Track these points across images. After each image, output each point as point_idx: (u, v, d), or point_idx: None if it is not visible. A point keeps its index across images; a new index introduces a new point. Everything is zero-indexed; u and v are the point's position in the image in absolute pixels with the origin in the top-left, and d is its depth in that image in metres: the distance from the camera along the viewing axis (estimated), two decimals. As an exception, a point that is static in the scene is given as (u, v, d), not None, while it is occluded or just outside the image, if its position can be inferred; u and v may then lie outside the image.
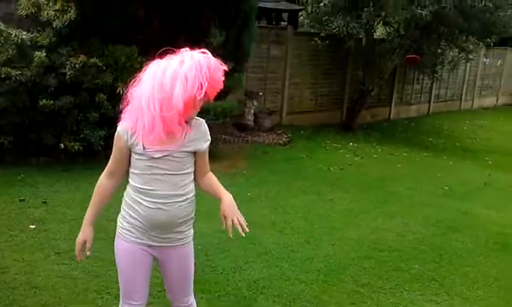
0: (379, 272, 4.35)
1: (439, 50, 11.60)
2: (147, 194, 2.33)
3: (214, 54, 2.35)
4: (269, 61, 10.23)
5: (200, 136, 2.39)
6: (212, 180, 2.49)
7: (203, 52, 2.26)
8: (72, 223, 4.72)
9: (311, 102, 11.32)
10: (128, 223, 2.41)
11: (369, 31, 10.66)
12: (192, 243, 2.52)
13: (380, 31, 11.59)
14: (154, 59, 2.30)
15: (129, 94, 2.30)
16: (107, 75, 6.53)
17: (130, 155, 2.36)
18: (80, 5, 6.55)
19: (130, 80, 2.32)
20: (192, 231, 2.52)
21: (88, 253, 2.48)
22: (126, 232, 2.41)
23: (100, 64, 6.48)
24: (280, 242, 4.80)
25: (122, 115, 2.34)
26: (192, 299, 2.62)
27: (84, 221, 2.48)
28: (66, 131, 6.54)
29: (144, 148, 2.28)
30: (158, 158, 2.29)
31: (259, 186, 6.45)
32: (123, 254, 2.45)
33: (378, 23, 10.78)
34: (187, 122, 2.30)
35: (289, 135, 9.47)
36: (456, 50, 11.83)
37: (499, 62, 16.77)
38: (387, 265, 4.50)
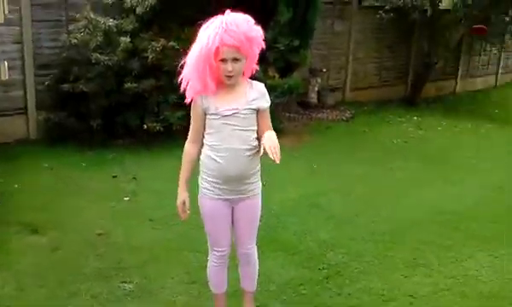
0: (439, 232, 4.70)
1: (508, 19, 11.38)
2: (221, 149, 2.77)
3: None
4: (333, 37, 10.44)
5: (261, 95, 2.83)
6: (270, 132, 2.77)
7: (228, 12, 2.66)
8: (159, 195, 5.32)
9: (375, 77, 11.45)
10: (207, 181, 2.86)
11: (435, 1, 10.60)
12: (260, 196, 2.97)
13: (446, 2, 11.51)
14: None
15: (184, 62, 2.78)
16: (183, 57, 7.04)
17: (205, 119, 2.80)
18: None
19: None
20: (260, 184, 2.97)
21: (188, 211, 2.95)
22: (207, 191, 2.88)
23: (177, 47, 6.99)
24: (345, 208, 5.22)
25: (183, 87, 2.80)
26: (255, 247, 3.11)
27: (180, 185, 2.90)
28: (148, 113, 7.12)
29: (217, 108, 2.74)
30: (229, 115, 2.74)
31: (324, 158, 6.86)
32: (208, 210, 2.93)
33: (444, -7, 10.74)
34: (229, 75, 2.68)
35: (352, 111, 9.74)
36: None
37: None
38: (447, 226, 4.84)
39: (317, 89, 9.77)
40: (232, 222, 2.99)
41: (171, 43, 6.92)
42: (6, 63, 5.47)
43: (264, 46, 2.80)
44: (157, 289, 3.63)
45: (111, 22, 6.87)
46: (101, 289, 3.59)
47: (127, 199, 5.26)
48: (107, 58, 6.72)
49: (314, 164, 6.57)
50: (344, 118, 9.34)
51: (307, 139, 7.77)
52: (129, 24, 7.06)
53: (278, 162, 2.57)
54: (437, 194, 5.73)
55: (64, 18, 7.29)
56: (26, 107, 7.18)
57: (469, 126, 9.47)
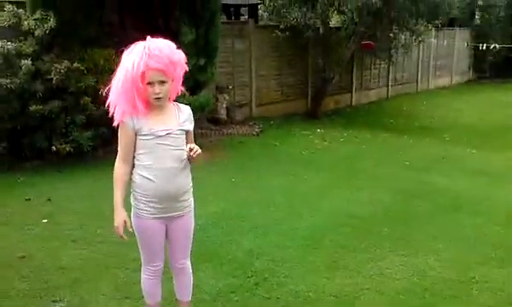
0: (354, 235, 5.02)
1: (392, 34, 12.35)
2: (156, 169, 2.83)
3: (186, 52, 2.91)
4: (234, 55, 10.77)
5: (189, 118, 2.97)
6: None
7: (149, 38, 2.78)
8: (78, 215, 5.23)
9: (277, 93, 11.94)
10: (142, 202, 2.89)
11: (325, 20, 11.23)
12: (193, 212, 3.07)
13: (335, 20, 12.28)
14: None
15: (109, 87, 2.82)
16: (89, 78, 6.96)
17: (135, 140, 2.83)
18: (59, 14, 6.93)
19: (111, 82, 2.86)
20: (192, 200, 3.05)
21: (130, 230, 2.92)
22: (142, 211, 2.90)
23: (82, 68, 6.92)
24: (266, 217, 5.42)
25: (112, 110, 2.81)
26: (189, 262, 3.19)
27: (116, 205, 2.86)
28: (56, 134, 6.96)
29: (150, 128, 2.81)
30: (163, 136, 2.82)
31: (241, 171, 7.09)
32: (144, 230, 2.95)
33: (333, 12, 11.46)
34: (157, 98, 2.76)
35: (261, 125, 10.10)
36: (408, 33, 12.57)
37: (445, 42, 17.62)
38: (361, 230, 5.17)
39: (225, 105, 10.01)
40: (166, 237, 3.04)
41: (76, 65, 6.86)
42: None
43: (187, 68, 2.93)
44: (90, 305, 3.58)
45: (9, 45, 6.68)
46: (30, 311, 3.48)
47: (45, 221, 5.08)
48: (8, 81, 6.51)
49: (232, 177, 6.75)
50: (254, 132, 9.65)
51: (222, 154, 7.94)
52: (29, 46, 6.93)
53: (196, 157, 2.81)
54: (347, 200, 6.10)
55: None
56: None
57: (368, 136, 10.15)
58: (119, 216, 2.87)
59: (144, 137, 2.82)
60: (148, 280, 3.11)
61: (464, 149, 9.18)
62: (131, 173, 2.89)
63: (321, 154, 8.49)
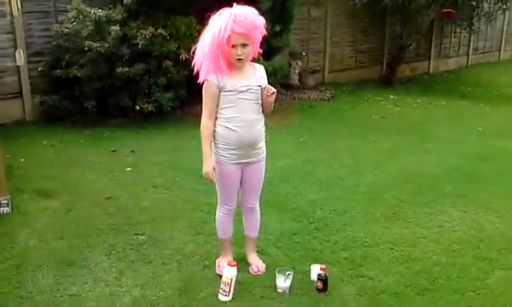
0: (416, 192, 5.18)
1: (475, 2, 11.97)
2: (239, 120, 3.21)
3: (264, 17, 3.20)
4: (310, 22, 10.91)
5: (264, 75, 3.34)
6: None
7: (235, 5, 3.11)
8: (159, 166, 5.74)
9: (351, 60, 11.99)
10: (223, 149, 3.27)
11: (406, -13, 11.13)
12: (265, 160, 3.43)
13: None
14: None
15: (196, 52, 3.19)
16: (171, 43, 7.44)
17: (219, 96, 3.21)
18: (146, -17, 7.45)
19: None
20: (265, 149, 3.42)
21: (218, 175, 3.29)
22: (223, 157, 3.28)
23: (165, 34, 7.41)
24: (330, 174, 5.68)
25: (197, 68, 3.19)
26: (258, 203, 3.59)
27: (205, 154, 3.22)
28: (139, 95, 7.52)
29: (234, 85, 3.17)
30: (244, 91, 3.19)
31: (310, 132, 7.36)
32: (223, 173, 3.32)
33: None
34: (239, 58, 3.11)
35: (332, 91, 10.25)
36: (492, 1, 12.13)
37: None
38: (424, 187, 5.32)
39: (297, 71, 10.22)
40: (241, 181, 3.42)
41: (160, 31, 7.35)
42: (21, 51, 5.95)
43: (265, 33, 3.25)
44: (167, 239, 4.04)
45: (100, 12, 7.26)
46: (116, 240, 3.99)
47: (129, 169, 5.64)
48: (98, 45, 7.09)
49: (301, 138, 7.04)
50: (325, 97, 9.82)
51: (293, 117, 8.23)
52: (117, 14, 7.46)
53: (271, 96, 3.18)
54: (414, 161, 6.22)
55: (52, 9, 7.72)
56: (21, 92, 7.51)
57: (443, 103, 10.04)
58: (209, 164, 3.24)
59: (228, 93, 3.19)
60: (223, 217, 3.52)
61: (544, 118, 8.91)
62: (214, 125, 3.26)
63: (392, 119, 8.56)
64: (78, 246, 3.91)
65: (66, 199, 4.76)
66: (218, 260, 3.63)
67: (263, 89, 3.23)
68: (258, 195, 3.57)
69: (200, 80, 3.22)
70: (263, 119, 3.34)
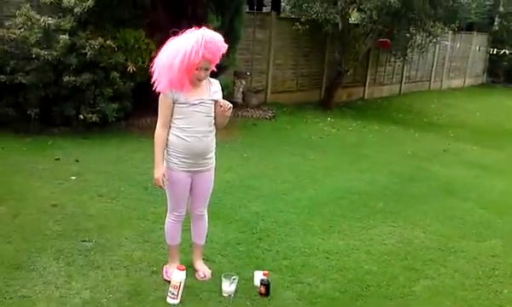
0: (351, 207, 5.56)
1: (409, 34, 12.75)
2: (190, 130, 3.43)
3: None
4: (255, 44, 11.28)
5: (218, 89, 3.57)
6: None
7: (204, 28, 3.36)
8: (104, 175, 5.82)
9: (292, 82, 12.45)
10: (175, 157, 3.48)
11: (345, 16, 11.74)
12: (214, 169, 3.66)
13: (354, 17, 12.74)
14: (161, 41, 3.36)
15: (155, 62, 3.39)
16: (119, 55, 7.53)
17: (173, 107, 3.42)
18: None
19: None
20: (215, 160, 3.65)
21: (167, 183, 3.50)
22: (175, 164, 3.49)
23: (113, 45, 7.50)
24: (273, 189, 5.97)
25: (154, 78, 3.39)
26: (206, 211, 3.81)
27: (157, 161, 3.45)
28: (84, 104, 7.54)
29: (186, 98, 3.39)
30: (196, 104, 3.41)
31: (253, 149, 7.66)
32: (175, 180, 3.53)
33: (353, 9, 11.92)
34: (200, 79, 3.38)
35: (274, 111, 10.62)
36: (425, 34, 12.94)
37: (457, 45, 17.87)
38: (357, 203, 5.71)
39: (242, 90, 10.54)
40: (190, 189, 3.63)
41: (108, 42, 7.44)
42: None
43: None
44: (115, 246, 4.16)
45: (50, 20, 7.28)
46: (64, 246, 4.07)
47: (74, 178, 5.68)
48: (46, 53, 7.10)
49: (244, 154, 7.32)
50: (267, 116, 10.18)
51: (236, 133, 8.49)
52: (67, 23, 7.49)
53: (228, 111, 3.42)
54: (349, 179, 6.63)
55: (-2, 14, 7.59)
56: (-40, 97, 7.34)
57: (376, 127, 10.63)
58: (160, 170, 3.47)
59: (181, 105, 3.41)
60: (172, 224, 3.70)
61: (466, 145, 9.62)
62: (168, 134, 3.46)
63: (329, 140, 9.02)
64: (26, 250, 3.95)
65: (11, 205, 4.77)
66: (165, 266, 3.80)
67: (218, 104, 3.46)
68: (207, 203, 3.79)
69: (157, 89, 3.41)
70: (214, 131, 3.56)
